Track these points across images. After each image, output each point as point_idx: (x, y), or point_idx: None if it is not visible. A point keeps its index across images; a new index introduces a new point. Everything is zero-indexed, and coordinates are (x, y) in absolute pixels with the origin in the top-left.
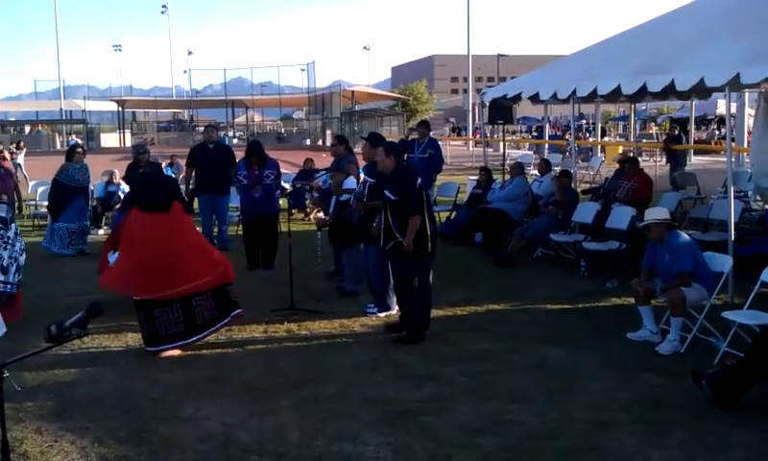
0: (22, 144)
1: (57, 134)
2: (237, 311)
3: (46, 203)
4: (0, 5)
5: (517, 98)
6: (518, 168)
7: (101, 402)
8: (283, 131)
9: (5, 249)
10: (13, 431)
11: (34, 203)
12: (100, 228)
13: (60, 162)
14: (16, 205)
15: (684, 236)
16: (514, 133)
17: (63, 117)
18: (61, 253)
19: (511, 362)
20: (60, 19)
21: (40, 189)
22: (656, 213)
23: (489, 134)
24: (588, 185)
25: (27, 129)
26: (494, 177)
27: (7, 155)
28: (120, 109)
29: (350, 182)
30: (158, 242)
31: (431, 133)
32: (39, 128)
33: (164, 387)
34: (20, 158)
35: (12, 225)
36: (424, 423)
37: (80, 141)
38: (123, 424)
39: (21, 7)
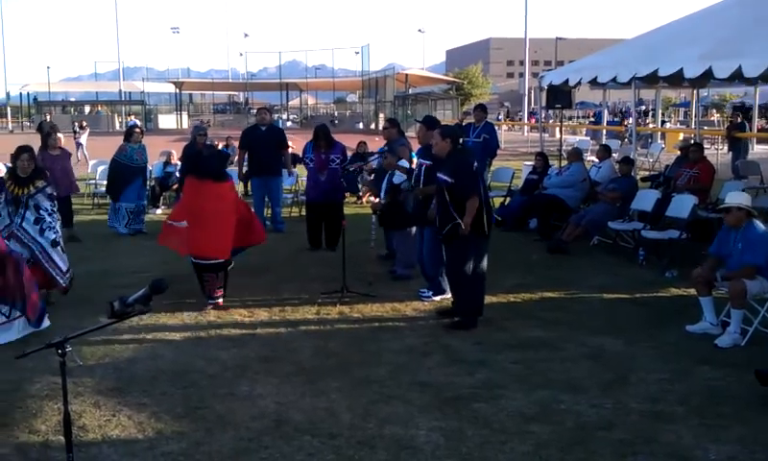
0: (85, 124)
1: (116, 115)
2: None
3: (105, 182)
4: None
5: (577, 83)
6: (576, 154)
7: (158, 379)
8: (336, 114)
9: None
10: (73, 405)
11: (93, 182)
12: (158, 208)
13: (118, 142)
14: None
15: (762, 227)
16: (570, 118)
17: (122, 98)
18: (124, 232)
19: (565, 351)
20: (120, 1)
21: (100, 169)
22: (738, 198)
23: (544, 119)
24: (647, 173)
25: (87, 109)
26: (551, 162)
27: (62, 137)
28: (177, 90)
29: (399, 177)
30: (212, 207)
31: (487, 118)
32: (99, 108)
33: (220, 365)
34: (83, 138)
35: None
36: (476, 409)
37: (138, 122)
38: (179, 400)
39: None
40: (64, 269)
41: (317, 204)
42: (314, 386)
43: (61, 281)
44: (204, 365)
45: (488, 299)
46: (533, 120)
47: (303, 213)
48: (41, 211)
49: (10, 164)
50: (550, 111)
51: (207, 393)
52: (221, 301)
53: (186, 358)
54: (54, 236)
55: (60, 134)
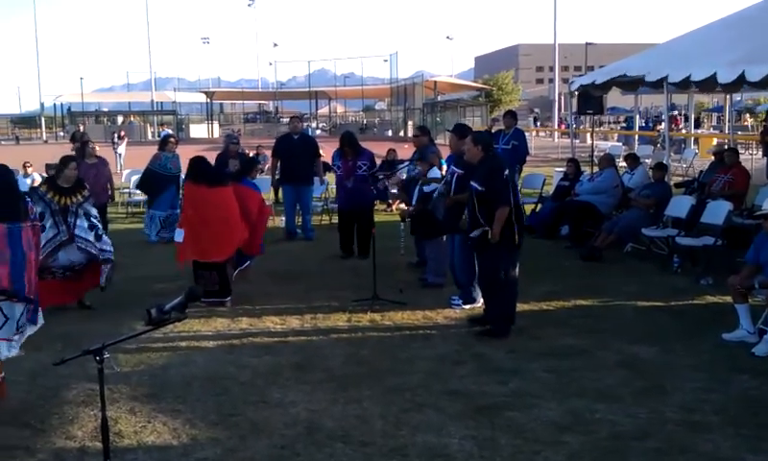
0: (123, 134)
1: (148, 125)
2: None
3: (139, 191)
4: None
5: (607, 86)
6: (608, 159)
7: (191, 385)
8: (365, 121)
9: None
10: (109, 411)
11: (127, 191)
12: None
13: (151, 152)
14: (110, 193)
15: None
16: (602, 124)
17: (154, 108)
18: (157, 239)
19: (598, 359)
20: (151, 12)
21: (133, 178)
22: None
23: (575, 125)
24: (680, 178)
25: (119, 119)
26: (582, 168)
27: (98, 147)
28: (208, 100)
29: (434, 173)
30: (211, 211)
31: (517, 124)
32: (131, 118)
33: (252, 372)
34: (121, 148)
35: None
36: (509, 418)
37: (171, 132)
38: (213, 407)
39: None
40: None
41: (347, 211)
42: (346, 393)
43: (101, 281)
44: (236, 372)
45: (520, 307)
46: (563, 126)
47: (334, 221)
48: (92, 219)
49: (45, 174)
50: (580, 117)
51: (240, 400)
52: (228, 303)
53: (219, 365)
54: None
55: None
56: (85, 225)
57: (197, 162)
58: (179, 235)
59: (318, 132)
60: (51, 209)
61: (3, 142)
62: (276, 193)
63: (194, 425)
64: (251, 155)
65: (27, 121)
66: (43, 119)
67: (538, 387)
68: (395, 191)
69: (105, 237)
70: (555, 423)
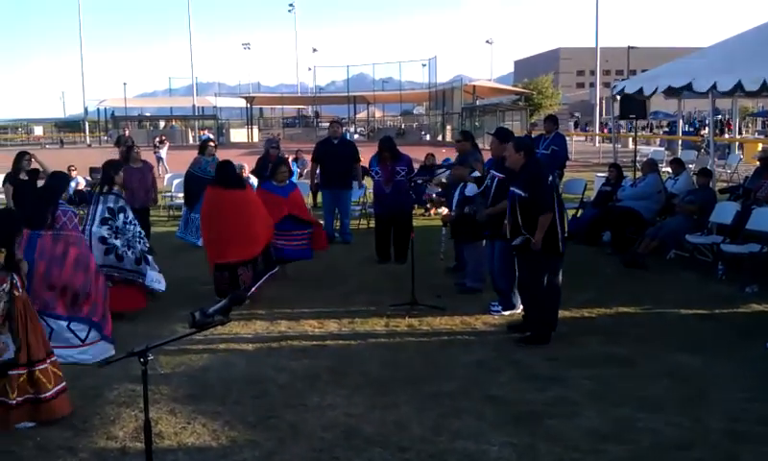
0: (165, 139)
1: (189, 130)
2: (276, 269)
3: (181, 194)
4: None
5: (653, 92)
6: (651, 165)
7: (231, 387)
8: (403, 126)
9: (116, 238)
10: (150, 412)
11: (169, 194)
12: None
13: (192, 156)
14: (153, 196)
15: None
16: (644, 128)
17: (195, 113)
18: (195, 242)
19: (640, 368)
20: (193, 18)
21: (175, 181)
22: None
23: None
24: (725, 184)
25: (162, 124)
26: (624, 173)
27: (140, 151)
28: (248, 105)
29: (471, 189)
30: (230, 215)
31: (557, 129)
32: (173, 123)
33: (290, 375)
34: (162, 152)
35: (121, 215)
36: (549, 426)
37: (211, 136)
38: (252, 409)
39: (156, 7)
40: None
41: (384, 216)
42: (384, 398)
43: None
44: (275, 375)
45: (560, 313)
46: (604, 130)
47: (372, 225)
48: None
49: (89, 178)
50: (622, 121)
51: (279, 403)
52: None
53: (258, 368)
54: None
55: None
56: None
57: (219, 166)
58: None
59: (356, 136)
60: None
61: (48, 146)
62: (315, 197)
63: (233, 427)
64: (290, 159)
65: (71, 125)
66: (87, 123)
67: (578, 395)
68: (434, 196)
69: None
70: (596, 431)
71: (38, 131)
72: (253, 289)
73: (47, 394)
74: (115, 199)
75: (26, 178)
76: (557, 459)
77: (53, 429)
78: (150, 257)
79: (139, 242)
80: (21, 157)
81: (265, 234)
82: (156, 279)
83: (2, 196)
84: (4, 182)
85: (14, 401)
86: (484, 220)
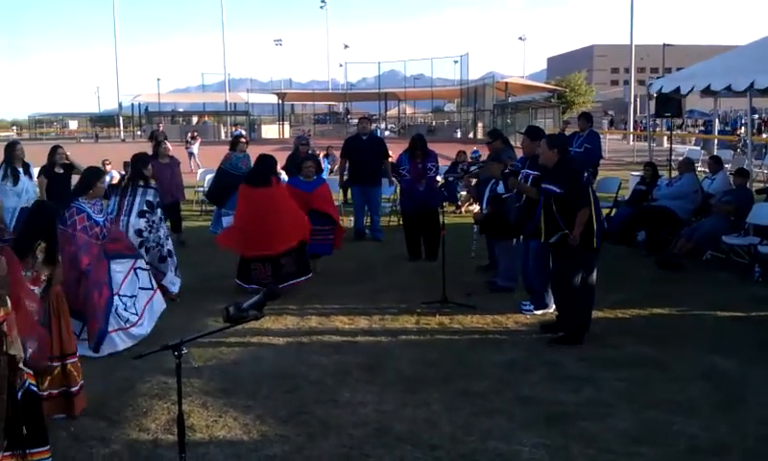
0: (196, 134)
1: (221, 125)
2: (309, 275)
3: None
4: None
5: (689, 91)
6: (688, 164)
7: (262, 382)
8: (434, 123)
9: (150, 232)
10: (182, 405)
11: (201, 189)
12: None
13: (224, 152)
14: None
15: None
16: (679, 126)
17: (228, 109)
18: None
19: (675, 370)
20: (226, 15)
21: (208, 177)
22: None
23: (651, 128)
24: (762, 184)
25: (194, 119)
26: (659, 172)
27: (169, 146)
28: (280, 101)
29: (502, 187)
30: (261, 211)
31: (592, 126)
32: (206, 119)
33: (321, 371)
34: (194, 148)
35: (158, 210)
36: (582, 427)
37: (243, 132)
38: (282, 404)
39: (190, 3)
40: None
41: (414, 214)
42: (414, 396)
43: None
44: (305, 370)
45: (594, 314)
46: (639, 129)
47: (402, 223)
48: None
49: (123, 172)
50: (656, 120)
51: (309, 398)
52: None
53: (289, 363)
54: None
55: (168, 144)
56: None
57: (256, 161)
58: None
59: (387, 133)
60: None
61: (83, 140)
62: (345, 194)
63: (264, 422)
64: (320, 156)
65: (106, 120)
66: (121, 118)
67: (611, 396)
68: (472, 184)
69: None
70: (629, 433)
71: (73, 125)
72: (281, 286)
73: (75, 388)
74: (154, 193)
75: (61, 171)
76: None
77: (86, 420)
78: (172, 259)
79: (166, 241)
80: (54, 152)
81: (295, 231)
82: (172, 281)
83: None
84: (39, 175)
85: (45, 393)
86: (515, 217)
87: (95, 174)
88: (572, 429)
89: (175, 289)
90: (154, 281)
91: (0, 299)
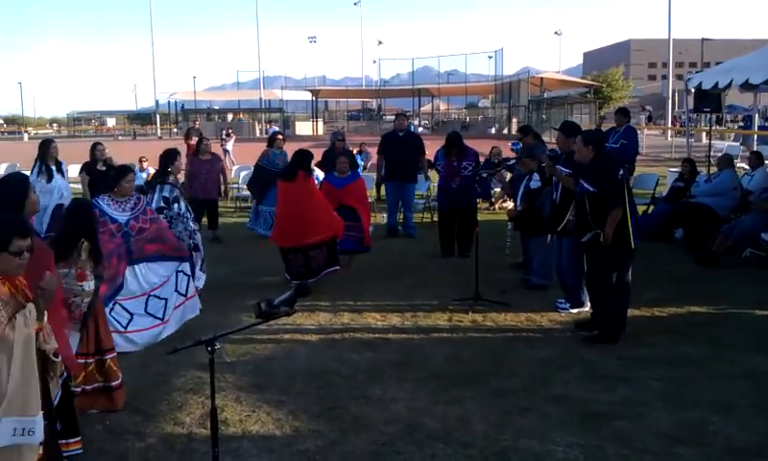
0: (231, 132)
1: (256, 122)
2: (336, 267)
3: (245, 185)
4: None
5: (727, 85)
6: (727, 160)
7: (295, 378)
8: (468, 119)
9: (169, 227)
10: (215, 399)
11: (236, 186)
12: None
13: (259, 148)
14: (222, 189)
15: None
16: (719, 122)
17: (262, 106)
18: (265, 234)
19: (714, 369)
20: (261, 13)
21: (243, 173)
22: None
23: (690, 123)
24: None
25: (229, 117)
26: (698, 169)
27: (210, 143)
28: (314, 98)
29: (536, 182)
30: (289, 203)
31: (629, 122)
32: (241, 116)
33: (353, 367)
34: (229, 145)
35: (175, 205)
36: (618, 427)
37: (277, 128)
38: (315, 399)
39: (225, 1)
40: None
41: (449, 210)
42: (447, 393)
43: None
44: (338, 366)
45: (630, 312)
46: (677, 124)
47: (435, 219)
48: None
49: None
50: (694, 115)
51: (342, 394)
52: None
53: (321, 359)
54: None
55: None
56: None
57: (293, 155)
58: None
59: (420, 129)
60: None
61: (120, 137)
62: (379, 190)
63: (297, 417)
64: (354, 152)
65: (143, 118)
66: (158, 116)
67: (648, 396)
68: (498, 189)
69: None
70: (666, 434)
71: (111, 122)
72: (311, 280)
73: (116, 382)
74: (170, 189)
75: (103, 168)
76: None
77: (122, 414)
78: (197, 254)
79: (189, 237)
80: (94, 148)
81: (321, 224)
82: (197, 276)
83: (78, 186)
84: (80, 172)
85: (78, 389)
86: (549, 213)
87: (119, 173)
88: (607, 429)
89: (199, 284)
90: (192, 288)
91: (39, 313)
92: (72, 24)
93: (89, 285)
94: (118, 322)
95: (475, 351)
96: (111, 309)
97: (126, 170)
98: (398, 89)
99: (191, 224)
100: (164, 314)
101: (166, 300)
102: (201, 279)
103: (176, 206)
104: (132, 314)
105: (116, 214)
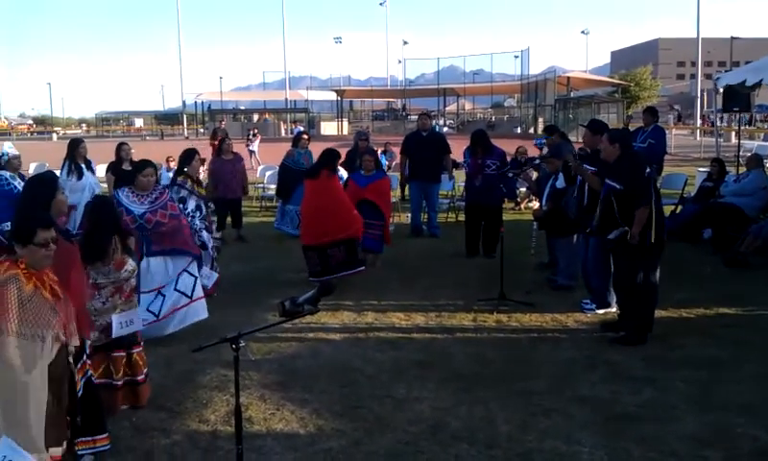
0: (257, 132)
1: (281, 122)
2: (360, 268)
3: (273, 186)
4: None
5: (756, 84)
6: (756, 160)
7: (319, 376)
8: (493, 118)
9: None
10: (240, 397)
11: (261, 186)
12: None
13: (284, 148)
14: (244, 187)
15: None
16: (748, 122)
17: (288, 106)
18: (292, 233)
19: (742, 371)
20: (287, 13)
21: (267, 173)
22: None
23: (719, 123)
24: None
25: (255, 117)
26: (727, 169)
27: (232, 143)
28: (339, 98)
29: (561, 182)
30: (310, 201)
31: (656, 121)
32: (266, 116)
33: (377, 366)
34: (254, 146)
35: (181, 205)
36: (643, 429)
37: (302, 128)
38: (339, 398)
39: (251, 3)
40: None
41: (473, 208)
42: (471, 394)
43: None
44: (361, 365)
45: (657, 313)
46: (706, 124)
47: (460, 219)
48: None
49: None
50: (724, 115)
51: (365, 393)
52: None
53: (345, 358)
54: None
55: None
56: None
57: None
58: None
59: (445, 129)
60: (192, 193)
61: (148, 137)
62: (403, 190)
63: (320, 416)
64: (378, 151)
65: (170, 118)
66: (185, 116)
67: (675, 398)
68: (525, 189)
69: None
70: (693, 436)
71: (139, 122)
72: (328, 278)
73: (141, 377)
74: (177, 189)
75: (129, 168)
76: None
77: (148, 411)
78: (207, 253)
79: (207, 235)
80: (120, 148)
81: (339, 224)
82: (207, 275)
83: (105, 185)
84: (107, 172)
85: (120, 382)
86: (575, 213)
87: (136, 167)
88: (633, 431)
89: (209, 283)
90: (199, 291)
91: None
92: (101, 27)
93: (130, 266)
94: None
95: (500, 351)
96: None
97: (144, 165)
98: (423, 89)
99: (197, 222)
100: (160, 312)
101: (164, 297)
102: (211, 278)
103: (181, 206)
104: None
105: (133, 206)
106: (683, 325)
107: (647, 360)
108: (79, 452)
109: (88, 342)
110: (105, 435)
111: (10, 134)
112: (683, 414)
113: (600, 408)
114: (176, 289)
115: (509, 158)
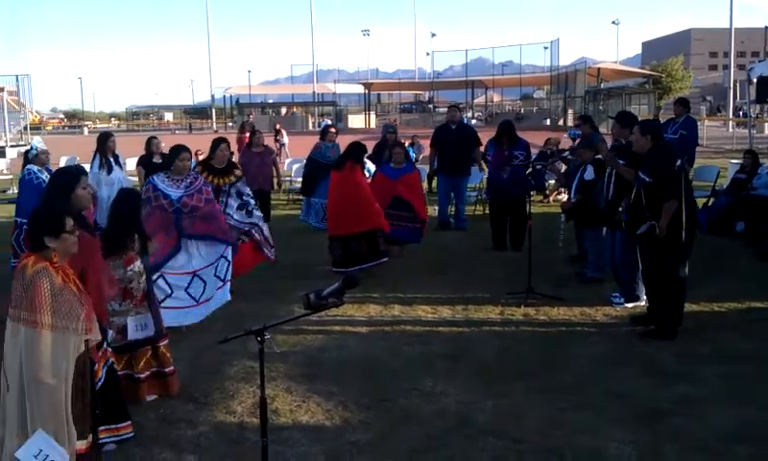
0: (279, 128)
1: (309, 116)
2: (384, 259)
3: (299, 179)
4: None
5: None
6: None
7: (345, 368)
8: (522, 110)
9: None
10: (266, 389)
11: (289, 179)
12: None
13: (312, 141)
14: (275, 181)
15: None
16: None
17: (315, 99)
18: (317, 226)
19: None
20: (314, 7)
21: (295, 166)
22: None
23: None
24: None
25: (283, 110)
26: (761, 161)
27: (262, 136)
28: (366, 91)
29: (590, 173)
30: (335, 192)
31: (688, 112)
32: (294, 110)
33: (403, 359)
34: (285, 138)
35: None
36: (674, 424)
37: (329, 122)
38: (365, 391)
39: None
40: (272, 243)
41: (499, 201)
42: (498, 388)
43: (270, 255)
44: (388, 358)
45: (688, 307)
46: (739, 115)
47: (487, 211)
48: (245, 197)
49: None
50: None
51: (392, 386)
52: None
53: (371, 350)
54: (261, 214)
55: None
56: (235, 204)
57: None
58: None
59: (473, 121)
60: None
61: (177, 131)
62: (430, 183)
63: (346, 408)
64: (406, 144)
65: (199, 112)
66: (214, 110)
67: (706, 393)
68: (553, 182)
69: (256, 213)
70: (725, 431)
71: (168, 116)
72: (350, 269)
73: (169, 368)
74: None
75: (159, 161)
76: (682, 460)
77: (175, 403)
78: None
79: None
80: (150, 142)
81: (360, 216)
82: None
83: (135, 179)
84: (137, 165)
85: (142, 375)
86: (604, 205)
87: (173, 152)
88: (663, 426)
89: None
90: (229, 274)
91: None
92: (132, 22)
93: (137, 266)
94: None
95: (527, 345)
96: (155, 280)
97: (180, 149)
98: (451, 81)
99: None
100: (200, 297)
101: (205, 283)
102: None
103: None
104: (171, 291)
105: (169, 191)
106: (714, 319)
107: (678, 354)
108: (101, 441)
109: (110, 332)
110: (127, 423)
111: (41, 128)
112: (714, 409)
113: (630, 403)
114: (216, 275)
115: (536, 151)
